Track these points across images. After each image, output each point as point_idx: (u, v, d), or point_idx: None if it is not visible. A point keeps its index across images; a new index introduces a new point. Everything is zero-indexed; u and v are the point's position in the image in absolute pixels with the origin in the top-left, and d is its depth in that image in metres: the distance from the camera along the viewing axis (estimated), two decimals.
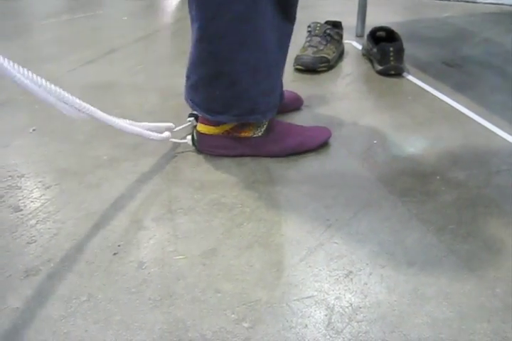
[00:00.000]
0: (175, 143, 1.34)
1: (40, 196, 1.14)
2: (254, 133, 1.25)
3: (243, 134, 1.25)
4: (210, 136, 1.26)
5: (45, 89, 0.87)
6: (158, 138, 1.23)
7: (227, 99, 1.19)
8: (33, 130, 1.44)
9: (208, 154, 1.29)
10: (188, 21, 1.18)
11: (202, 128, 1.27)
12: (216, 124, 1.24)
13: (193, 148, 1.31)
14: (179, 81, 1.37)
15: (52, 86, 0.89)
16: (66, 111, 0.92)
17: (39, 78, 0.86)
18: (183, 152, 1.31)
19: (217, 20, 1.08)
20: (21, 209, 1.10)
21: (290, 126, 1.33)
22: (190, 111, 1.41)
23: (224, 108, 1.20)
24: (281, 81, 1.32)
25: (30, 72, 0.85)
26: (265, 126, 1.26)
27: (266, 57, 1.16)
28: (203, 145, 1.29)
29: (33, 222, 1.06)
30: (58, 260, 0.95)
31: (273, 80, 1.23)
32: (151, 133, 1.20)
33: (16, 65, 0.81)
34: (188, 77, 1.23)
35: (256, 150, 1.28)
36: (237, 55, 1.13)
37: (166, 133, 1.28)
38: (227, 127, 1.24)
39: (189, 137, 1.30)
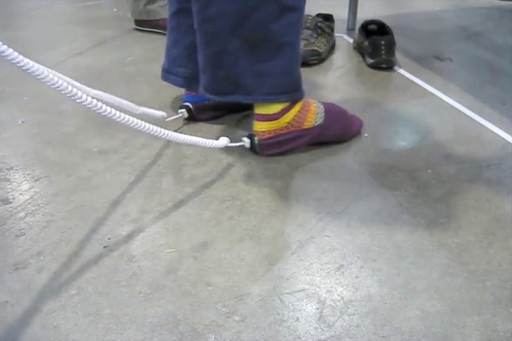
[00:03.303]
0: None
1: (29, 188, 1.13)
2: (316, 122, 1.24)
3: (306, 125, 1.23)
4: (273, 136, 1.21)
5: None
6: (214, 146, 1.16)
7: (233, 78, 1.16)
8: (22, 122, 1.42)
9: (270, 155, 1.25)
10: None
11: (260, 126, 1.21)
12: (275, 118, 1.19)
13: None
14: None
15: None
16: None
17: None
18: (173, 144, 1.30)
19: (217, 0, 1.07)
20: (10, 202, 1.09)
21: (332, 107, 1.31)
22: (181, 103, 1.40)
23: (232, 88, 1.18)
24: (299, 64, 1.23)
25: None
26: (323, 112, 1.25)
27: (268, 35, 1.12)
28: (264, 149, 1.24)
29: (22, 214, 1.05)
30: (48, 253, 0.94)
31: (283, 60, 1.16)
32: (208, 140, 1.13)
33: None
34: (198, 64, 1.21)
35: (316, 138, 1.26)
36: (237, 32, 1.10)
37: (223, 140, 1.19)
38: (287, 119, 1.20)
39: (246, 139, 1.23)
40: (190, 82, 1.34)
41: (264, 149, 1.23)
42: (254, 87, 1.17)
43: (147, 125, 0.95)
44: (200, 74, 1.22)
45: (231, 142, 1.21)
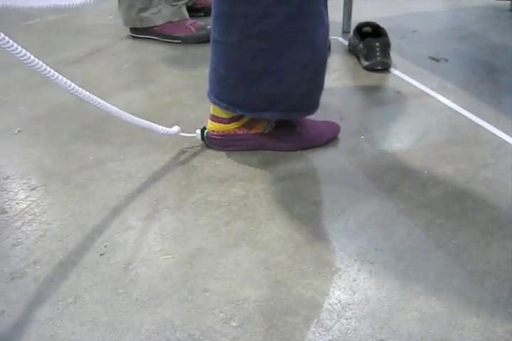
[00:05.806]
0: (160, 143, 1.33)
1: (26, 198, 1.13)
2: (265, 129, 1.26)
3: (254, 131, 1.26)
4: (221, 134, 1.27)
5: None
6: (166, 133, 1.25)
7: (273, 96, 1.17)
8: (18, 131, 1.42)
9: (217, 149, 1.30)
10: None
11: (213, 125, 1.27)
12: (228, 122, 1.25)
13: (180, 146, 1.30)
14: (165, 80, 1.36)
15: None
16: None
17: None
18: (168, 151, 1.30)
19: (269, 19, 1.07)
20: (7, 211, 1.08)
21: (299, 121, 1.31)
22: (179, 110, 1.40)
23: (269, 105, 1.19)
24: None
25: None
26: (275, 121, 1.26)
27: (314, 56, 1.15)
28: (212, 143, 1.29)
29: (18, 223, 1.04)
30: (44, 262, 0.94)
31: (320, 78, 1.22)
32: (159, 126, 1.22)
33: None
34: (223, 78, 1.19)
35: (265, 145, 1.28)
36: (286, 53, 1.12)
37: (175, 128, 1.29)
38: (238, 124, 1.25)
39: (198, 131, 1.30)
40: None
41: (212, 143, 1.30)
42: (294, 105, 1.21)
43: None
44: (231, 89, 1.20)
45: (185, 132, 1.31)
